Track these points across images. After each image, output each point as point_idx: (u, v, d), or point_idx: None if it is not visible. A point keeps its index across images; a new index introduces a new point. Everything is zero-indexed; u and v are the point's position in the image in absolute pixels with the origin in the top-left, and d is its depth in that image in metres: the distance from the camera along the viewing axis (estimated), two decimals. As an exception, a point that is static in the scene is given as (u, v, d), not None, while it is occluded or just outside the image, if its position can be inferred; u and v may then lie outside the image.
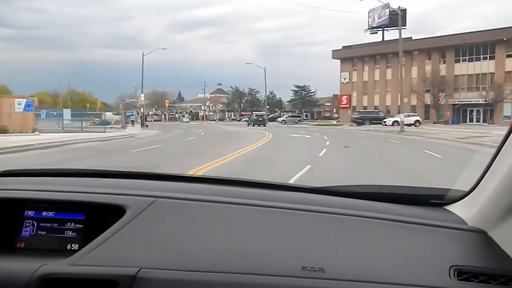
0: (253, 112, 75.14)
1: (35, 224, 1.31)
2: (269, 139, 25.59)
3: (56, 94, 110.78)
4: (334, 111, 79.79)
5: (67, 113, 40.72)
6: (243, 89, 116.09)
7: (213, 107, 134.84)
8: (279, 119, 74.44)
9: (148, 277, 1.09)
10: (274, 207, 1.32)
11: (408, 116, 43.62)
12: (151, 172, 1.84)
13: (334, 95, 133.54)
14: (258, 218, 1.29)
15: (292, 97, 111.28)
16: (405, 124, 42.79)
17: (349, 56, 63.68)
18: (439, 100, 52.45)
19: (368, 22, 65.71)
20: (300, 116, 76.42)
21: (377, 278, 1.07)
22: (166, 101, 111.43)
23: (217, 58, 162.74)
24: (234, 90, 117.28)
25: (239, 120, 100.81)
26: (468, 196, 1.34)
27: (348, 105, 64.72)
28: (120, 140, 25.61)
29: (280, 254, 1.15)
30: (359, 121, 46.57)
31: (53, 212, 1.31)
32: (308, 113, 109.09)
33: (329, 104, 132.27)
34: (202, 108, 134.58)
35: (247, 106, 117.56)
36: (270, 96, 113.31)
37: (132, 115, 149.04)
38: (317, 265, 1.10)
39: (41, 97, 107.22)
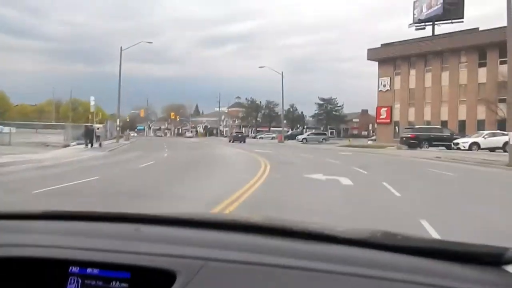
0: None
1: (80, 281, 1.28)
2: (260, 184, 11.39)
3: (59, 103, 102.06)
4: (370, 127, 64.88)
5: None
6: (260, 102, 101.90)
7: (230, 122, 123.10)
8: (300, 136, 60.04)
9: None
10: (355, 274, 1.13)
11: (494, 135, 28.69)
12: (197, 217, 1.67)
13: (363, 110, 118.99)
14: None
15: (316, 111, 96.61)
16: (489, 148, 27.83)
17: (390, 56, 49.08)
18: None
19: (414, 14, 51.11)
20: (325, 134, 61.80)
21: None
22: (172, 113, 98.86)
23: (243, 73, 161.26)
24: (249, 102, 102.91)
25: (254, 137, 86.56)
26: None
27: (388, 120, 49.86)
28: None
29: None
30: (413, 142, 31.75)
31: (98, 269, 1.27)
32: (334, 130, 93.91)
33: (357, 120, 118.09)
34: (220, 122, 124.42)
35: (265, 121, 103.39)
36: (291, 110, 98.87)
37: (143, 129, 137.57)
38: None
39: (41, 107, 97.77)
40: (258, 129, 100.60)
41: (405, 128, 35.21)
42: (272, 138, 79.31)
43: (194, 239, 1.39)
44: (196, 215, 1.73)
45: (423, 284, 1.08)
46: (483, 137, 29.20)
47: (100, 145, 32.63)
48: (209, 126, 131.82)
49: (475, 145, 28.32)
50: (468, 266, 1.18)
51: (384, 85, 50.52)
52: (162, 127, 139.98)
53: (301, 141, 57.12)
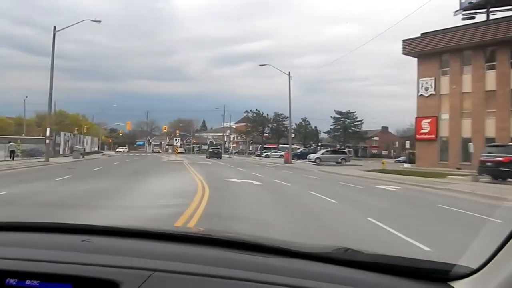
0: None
1: None
2: None
3: (43, 116, 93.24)
4: (406, 148, 52.15)
5: None
6: (267, 114, 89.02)
7: (236, 138, 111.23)
8: (312, 155, 47.16)
9: None
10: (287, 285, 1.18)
11: None
12: (146, 229, 1.68)
13: (383, 127, 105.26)
14: None
15: (332, 127, 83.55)
16: None
17: (435, 49, 36.15)
18: None
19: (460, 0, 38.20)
20: (344, 153, 48.63)
21: None
22: (164, 126, 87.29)
23: (256, 92, 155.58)
24: (255, 114, 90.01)
25: (259, 155, 73.63)
26: (475, 275, 1.22)
27: (432, 135, 36.64)
28: None
29: None
30: (504, 171, 18.51)
31: (38, 282, 1.21)
32: (352, 148, 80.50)
33: (377, 138, 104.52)
34: (226, 138, 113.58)
35: (272, 136, 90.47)
36: (303, 124, 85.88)
37: (143, 144, 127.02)
38: None
39: (20, 120, 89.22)
40: (265, 145, 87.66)
41: (486, 147, 21.81)
42: (280, 156, 66.67)
43: (142, 250, 1.38)
44: (145, 227, 1.74)
45: None
46: None
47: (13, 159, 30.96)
48: (214, 142, 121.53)
49: None
50: (417, 282, 1.25)
51: (426, 88, 37.42)
52: (163, 142, 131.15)
53: (314, 162, 44.26)
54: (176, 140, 42.27)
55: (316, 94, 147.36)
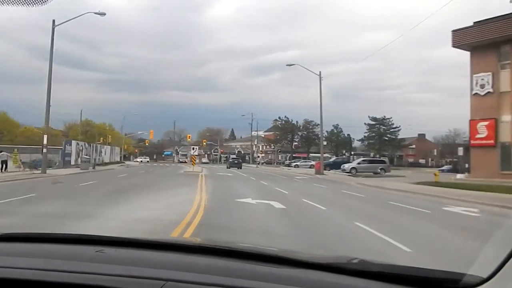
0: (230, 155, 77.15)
1: None
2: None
3: (70, 126, 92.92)
4: (445, 156, 46.84)
5: None
6: (297, 122, 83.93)
7: (264, 147, 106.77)
8: (347, 165, 42.03)
9: None
10: None
11: None
12: (158, 240, 1.74)
13: (419, 135, 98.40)
14: None
15: (366, 134, 77.92)
16: None
17: (492, 40, 30.63)
18: None
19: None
20: (384, 162, 43.27)
21: None
22: (188, 135, 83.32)
23: (286, 101, 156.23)
24: (283, 122, 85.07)
25: (288, 165, 68.63)
26: (485, 284, 1.23)
27: (492, 141, 31.00)
28: None
29: None
30: None
31: None
32: (387, 157, 74.70)
33: (413, 146, 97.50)
34: (254, 147, 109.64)
35: (302, 145, 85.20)
36: (334, 131, 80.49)
37: (171, 154, 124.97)
38: None
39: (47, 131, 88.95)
40: (294, 155, 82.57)
41: None
42: (311, 166, 61.63)
43: (155, 260, 1.40)
44: (156, 238, 1.78)
45: None
46: None
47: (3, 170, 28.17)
48: (242, 152, 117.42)
49: None
50: None
51: (482, 86, 31.86)
52: (191, 152, 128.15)
53: (349, 172, 39.20)
54: (193, 149, 37.14)
55: (347, 102, 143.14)
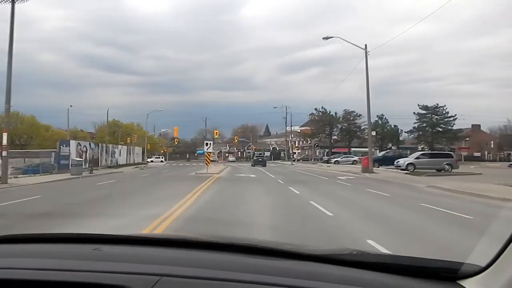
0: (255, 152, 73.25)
1: None
2: None
3: (99, 127, 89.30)
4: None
5: None
6: (335, 113, 75.31)
7: (301, 143, 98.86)
8: (401, 160, 33.64)
9: None
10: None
11: None
12: (153, 236, 1.72)
13: (473, 125, 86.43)
14: None
15: (415, 125, 68.56)
16: None
17: None
18: None
19: None
20: (450, 156, 34.25)
21: None
22: (216, 131, 76.57)
23: (323, 97, 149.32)
24: (320, 114, 76.55)
25: (327, 161, 60.40)
26: (484, 273, 1.24)
27: None
28: None
29: None
30: None
31: None
32: (440, 150, 64.72)
33: (468, 138, 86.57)
34: (289, 143, 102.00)
35: (342, 138, 76.49)
36: (379, 122, 71.50)
37: (203, 152, 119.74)
38: None
39: (75, 132, 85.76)
40: (333, 150, 74.11)
41: None
42: (353, 162, 53.24)
43: (150, 256, 1.42)
44: (152, 234, 1.74)
45: None
46: None
47: None
48: (277, 149, 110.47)
49: None
50: (426, 281, 1.25)
51: None
52: (223, 150, 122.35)
53: (405, 169, 30.92)
54: (207, 145, 29.29)
55: (389, 96, 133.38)
